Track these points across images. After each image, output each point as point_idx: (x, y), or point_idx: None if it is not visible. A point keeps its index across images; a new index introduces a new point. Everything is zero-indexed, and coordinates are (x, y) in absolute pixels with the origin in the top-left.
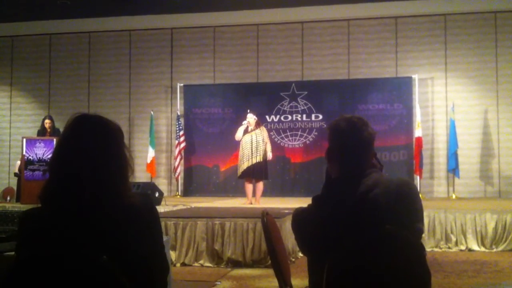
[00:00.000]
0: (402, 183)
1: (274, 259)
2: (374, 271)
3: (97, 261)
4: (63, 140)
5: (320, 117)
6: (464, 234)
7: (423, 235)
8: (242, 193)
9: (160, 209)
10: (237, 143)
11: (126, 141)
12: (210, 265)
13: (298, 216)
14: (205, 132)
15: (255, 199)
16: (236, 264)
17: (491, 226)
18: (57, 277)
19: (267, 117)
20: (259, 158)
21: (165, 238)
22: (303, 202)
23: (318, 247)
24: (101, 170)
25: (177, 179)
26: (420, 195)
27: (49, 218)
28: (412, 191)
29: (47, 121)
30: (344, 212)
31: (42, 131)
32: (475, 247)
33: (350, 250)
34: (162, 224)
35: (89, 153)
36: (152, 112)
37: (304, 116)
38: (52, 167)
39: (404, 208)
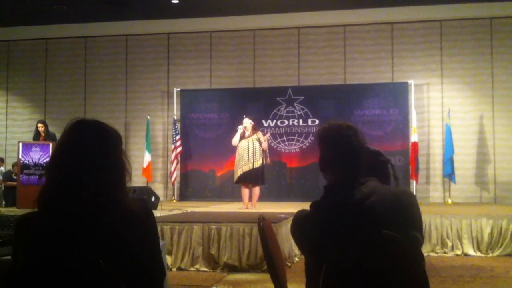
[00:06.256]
0: (400, 192)
1: (271, 264)
2: (370, 275)
3: (94, 264)
4: (61, 144)
5: (317, 122)
6: (460, 239)
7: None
8: (238, 198)
9: (156, 213)
10: (233, 148)
11: (122, 146)
12: (206, 269)
13: (299, 218)
14: (201, 137)
15: (251, 204)
16: (232, 269)
17: (487, 231)
18: (55, 280)
19: (263, 122)
20: (255, 164)
21: (161, 242)
22: (299, 207)
23: (316, 250)
24: (99, 175)
25: (173, 184)
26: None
27: (46, 222)
28: (409, 201)
29: (39, 125)
30: (341, 217)
31: (36, 136)
32: (471, 252)
33: (346, 254)
34: (158, 228)
35: (87, 158)
36: (148, 117)
37: (301, 121)
38: (50, 171)
39: (400, 217)
